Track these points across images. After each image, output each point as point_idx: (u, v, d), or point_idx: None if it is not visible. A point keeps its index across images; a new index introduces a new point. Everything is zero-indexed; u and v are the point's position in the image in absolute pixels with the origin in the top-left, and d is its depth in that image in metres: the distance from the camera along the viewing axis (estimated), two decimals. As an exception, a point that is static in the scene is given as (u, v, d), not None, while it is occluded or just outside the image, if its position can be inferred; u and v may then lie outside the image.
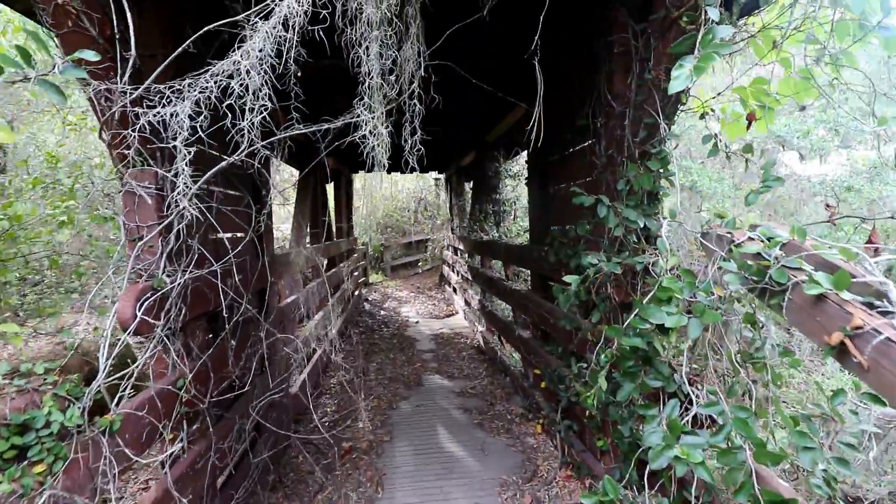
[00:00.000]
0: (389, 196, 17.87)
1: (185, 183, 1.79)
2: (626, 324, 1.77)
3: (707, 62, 1.53)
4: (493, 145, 6.44)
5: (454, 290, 9.98)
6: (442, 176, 12.29)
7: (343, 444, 3.87)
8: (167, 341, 1.95)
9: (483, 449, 3.78)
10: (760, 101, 1.90)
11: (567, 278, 2.14)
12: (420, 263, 15.20)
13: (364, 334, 7.80)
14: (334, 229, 7.49)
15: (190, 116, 1.75)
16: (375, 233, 16.38)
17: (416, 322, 8.69)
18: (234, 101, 1.76)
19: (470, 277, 7.71)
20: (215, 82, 1.76)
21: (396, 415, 4.54)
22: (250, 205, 3.01)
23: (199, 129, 1.75)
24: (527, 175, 4.49)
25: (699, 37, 1.59)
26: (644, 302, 1.71)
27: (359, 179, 16.47)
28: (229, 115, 1.77)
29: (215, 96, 1.76)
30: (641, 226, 2.28)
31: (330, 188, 9.35)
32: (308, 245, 6.14)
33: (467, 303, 8.29)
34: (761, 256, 1.45)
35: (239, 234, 2.88)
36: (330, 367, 5.92)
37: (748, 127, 2.00)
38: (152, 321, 1.81)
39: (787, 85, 1.97)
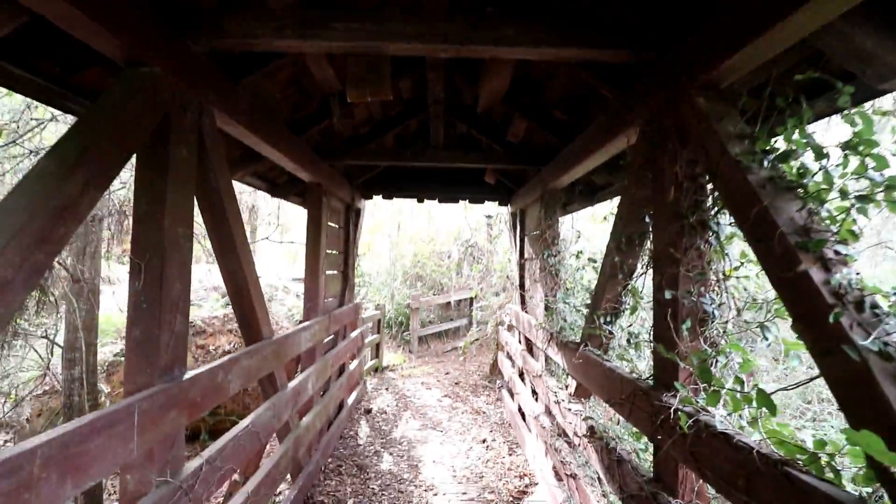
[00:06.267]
0: (426, 237, 13.69)
1: None
2: None
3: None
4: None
5: (522, 415, 5.34)
6: (503, 210, 7.93)
7: None
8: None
9: None
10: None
11: None
12: (463, 336, 10.65)
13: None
14: (261, 323, 3.19)
15: None
16: (402, 284, 12.09)
17: (449, 506, 4.09)
18: None
19: (578, 433, 3.12)
20: None
21: None
22: None
23: None
24: None
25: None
26: None
27: (373, 208, 12.58)
28: None
29: None
30: None
31: (303, 215, 5.22)
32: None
33: (568, 469, 3.62)
34: None
35: None
36: None
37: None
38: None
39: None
